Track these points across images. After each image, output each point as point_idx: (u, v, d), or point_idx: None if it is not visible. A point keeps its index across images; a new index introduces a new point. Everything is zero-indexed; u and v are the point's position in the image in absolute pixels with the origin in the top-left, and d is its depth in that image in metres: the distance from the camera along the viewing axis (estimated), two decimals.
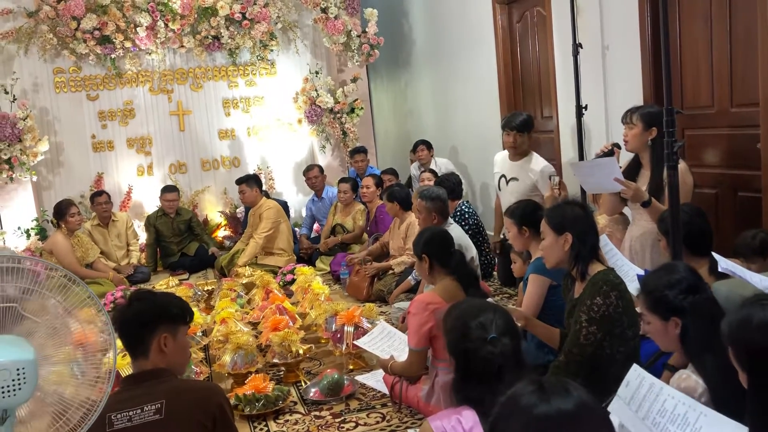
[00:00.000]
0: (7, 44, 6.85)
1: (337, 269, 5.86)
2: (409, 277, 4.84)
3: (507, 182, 4.86)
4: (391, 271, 5.20)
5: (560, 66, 5.35)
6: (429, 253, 3.17)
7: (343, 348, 3.77)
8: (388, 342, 3.58)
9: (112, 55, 7.13)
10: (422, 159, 6.94)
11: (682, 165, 3.21)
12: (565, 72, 5.21)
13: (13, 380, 1.56)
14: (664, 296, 2.12)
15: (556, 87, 5.47)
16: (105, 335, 4.60)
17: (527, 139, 4.79)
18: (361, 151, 7.30)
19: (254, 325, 4.36)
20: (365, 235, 6.33)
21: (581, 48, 4.47)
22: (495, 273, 5.54)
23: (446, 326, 2.12)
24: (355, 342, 3.69)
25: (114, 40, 7.01)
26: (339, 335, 3.81)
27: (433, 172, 6.35)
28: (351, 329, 3.78)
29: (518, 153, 4.80)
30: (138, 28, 7.01)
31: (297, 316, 4.26)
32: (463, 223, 5.28)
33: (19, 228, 6.86)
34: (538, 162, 4.73)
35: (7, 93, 6.65)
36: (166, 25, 7.11)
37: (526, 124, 4.75)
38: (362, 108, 7.69)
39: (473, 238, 5.16)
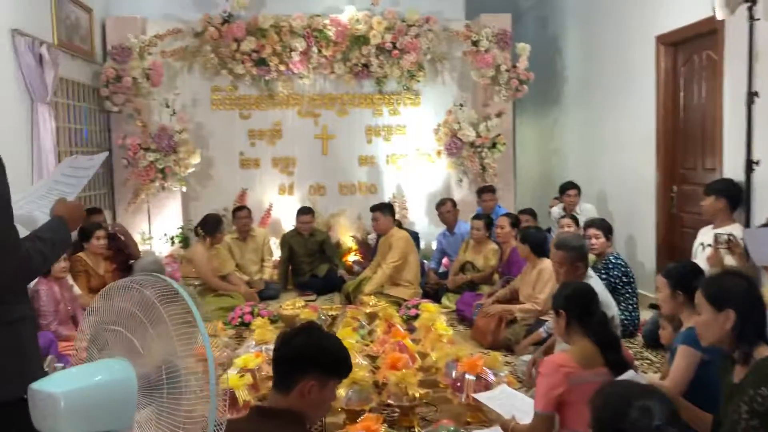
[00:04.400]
0: (174, 61, 7.32)
1: (463, 309, 5.64)
2: (541, 329, 4.52)
3: (703, 248, 4.49)
4: (522, 320, 4.90)
5: (729, 115, 4.86)
6: (568, 310, 2.90)
7: (463, 398, 3.55)
8: (510, 400, 3.32)
9: (267, 77, 7.42)
10: (570, 203, 6.58)
11: None
12: (735, 122, 4.72)
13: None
14: None
15: (723, 137, 4.97)
16: (230, 350, 4.65)
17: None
18: (490, 190, 7.04)
19: (373, 358, 4.23)
20: (496, 276, 6.07)
21: (757, 97, 4.02)
22: (639, 333, 5.07)
23: (598, 402, 1.86)
24: (475, 395, 3.46)
25: (269, 63, 7.30)
26: (459, 383, 3.60)
27: (574, 218, 5.98)
28: (472, 378, 3.55)
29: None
30: (293, 53, 7.26)
31: (417, 355, 4.09)
32: (606, 275, 4.90)
33: (165, 234, 7.25)
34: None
35: (168, 107, 7.08)
36: (319, 51, 7.32)
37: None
38: (504, 144, 7.46)
39: (618, 292, 4.78)
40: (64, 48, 6.02)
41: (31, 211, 1.94)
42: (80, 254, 5.36)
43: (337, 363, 2.08)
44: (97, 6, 6.97)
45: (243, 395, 3.44)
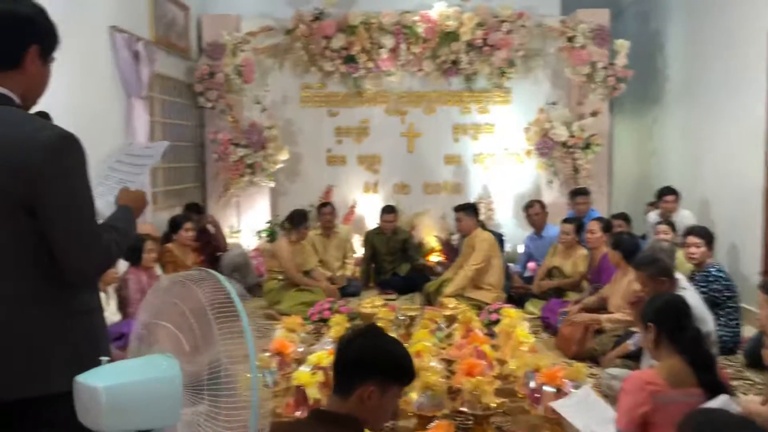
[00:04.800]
0: (266, 58, 7.44)
1: (548, 316, 5.41)
2: (629, 342, 4.24)
3: None
4: (610, 331, 4.63)
5: None
6: (658, 323, 2.67)
7: (541, 410, 3.37)
8: (590, 413, 3.11)
9: (355, 75, 7.42)
10: (668, 209, 6.19)
11: None
12: None
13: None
14: None
15: None
16: (306, 346, 4.63)
17: None
18: (584, 192, 6.72)
19: (449, 362, 4.10)
20: (585, 283, 5.79)
21: None
22: (740, 351, 4.69)
23: (688, 428, 1.68)
24: (552, 404, 3.27)
25: (358, 60, 7.29)
26: (537, 394, 3.42)
27: (671, 224, 5.62)
28: (552, 390, 3.36)
29: None
30: (381, 50, 7.22)
31: (495, 362, 3.93)
32: (706, 287, 4.57)
33: (252, 228, 7.38)
34: None
35: (259, 103, 7.20)
36: (408, 48, 7.25)
37: None
38: (599, 144, 7.13)
39: (718, 306, 4.45)
40: (160, 44, 6.22)
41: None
42: (169, 245, 5.52)
43: (399, 369, 1.98)
44: (194, 3, 7.18)
45: (313, 393, 3.40)
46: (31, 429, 1.68)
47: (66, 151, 1.61)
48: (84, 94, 4.79)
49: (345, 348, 2.00)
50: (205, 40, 7.24)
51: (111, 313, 4.43)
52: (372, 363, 1.93)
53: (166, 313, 1.48)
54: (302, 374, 3.50)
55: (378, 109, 7.67)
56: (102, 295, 4.27)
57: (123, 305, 4.61)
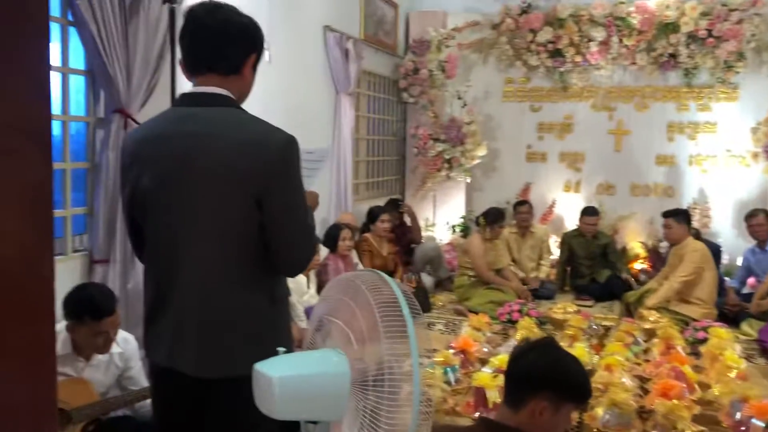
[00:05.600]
0: (470, 54, 7.44)
1: (766, 339, 4.82)
2: None
3: None
4: None
5: None
6: None
7: None
8: None
9: (561, 69, 7.16)
10: None
11: None
12: None
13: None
14: None
15: None
16: (491, 347, 4.58)
17: None
18: None
19: (643, 380, 3.82)
20: None
21: None
22: None
23: None
24: None
25: (565, 54, 7.03)
26: (743, 427, 3.05)
27: None
28: (761, 425, 2.99)
29: None
30: (591, 43, 6.89)
31: (697, 386, 3.58)
32: None
33: (447, 223, 7.45)
34: None
35: (460, 98, 7.22)
36: (621, 41, 6.83)
37: None
38: None
39: None
40: (369, 42, 6.48)
41: None
42: (367, 235, 5.76)
43: (573, 387, 1.88)
44: (403, 1, 7.37)
45: (493, 396, 3.34)
46: (224, 406, 1.83)
47: (292, 152, 1.75)
48: (298, 91, 5.14)
49: (518, 360, 1.93)
50: (411, 36, 7.41)
51: (310, 296, 4.72)
52: (545, 378, 1.85)
53: (339, 310, 1.52)
54: (483, 376, 3.46)
55: (584, 105, 7.33)
56: (304, 278, 4.60)
57: (322, 289, 4.89)
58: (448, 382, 3.69)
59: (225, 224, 1.73)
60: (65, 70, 3.31)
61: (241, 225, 1.73)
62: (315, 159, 2.18)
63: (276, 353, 1.54)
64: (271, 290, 1.82)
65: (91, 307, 2.59)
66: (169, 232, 1.78)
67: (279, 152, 1.71)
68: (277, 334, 1.81)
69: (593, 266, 6.61)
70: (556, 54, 7.07)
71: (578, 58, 7.03)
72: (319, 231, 4.96)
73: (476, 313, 5.31)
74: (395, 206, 6.42)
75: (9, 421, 0.93)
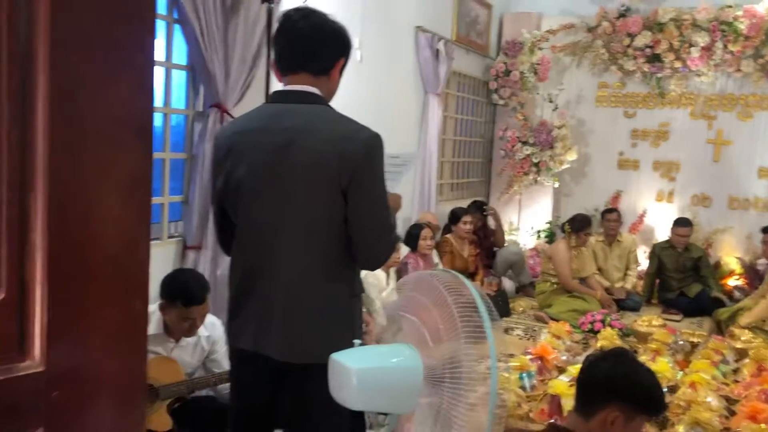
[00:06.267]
0: (563, 56, 7.30)
1: None
2: None
3: None
4: None
5: None
6: None
7: None
8: None
9: (659, 75, 6.92)
10: None
11: None
12: None
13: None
14: None
15: None
16: (570, 355, 4.51)
17: None
18: None
19: (729, 401, 3.65)
20: None
21: None
22: None
23: None
24: None
25: (664, 59, 6.78)
26: None
27: None
28: None
29: None
30: (692, 48, 6.61)
31: None
32: None
33: (532, 228, 7.34)
34: None
35: (551, 102, 7.10)
36: (725, 47, 6.52)
37: None
38: None
39: None
40: (460, 43, 6.48)
41: None
42: (448, 236, 5.76)
43: (647, 398, 1.84)
44: (497, 2, 7.32)
45: (568, 405, 3.29)
46: (302, 392, 1.91)
47: (379, 149, 1.83)
48: (387, 90, 5.21)
49: (591, 369, 1.91)
50: (504, 38, 7.34)
51: (389, 293, 4.77)
52: (619, 388, 1.82)
53: (413, 307, 1.56)
54: (560, 384, 3.42)
55: (682, 112, 7.04)
56: (383, 275, 4.66)
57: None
58: (523, 388, 3.66)
59: (312, 217, 1.81)
60: (168, 65, 3.50)
61: (328, 218, 1.80)
62: (400, 163, 2.24)
63: (351, 345, 1.59)
64: (351, 284, 1.89)
65: (184, 294, 2.73)
66: (259, 222, 1.88)
67: (365, 147, 1.79)
68: (353, 326, 1.88)
69: (683, 280, 6.36)
70: (654, 59, 6.83)
71: (677, 64, 6.77)
72: (401, 230, 5.02)
73: (557, 320, 5.24)
74: (479, 209, 6.39)
75: (103, 390, 1.02)
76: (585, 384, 1.91)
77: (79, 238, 0.92)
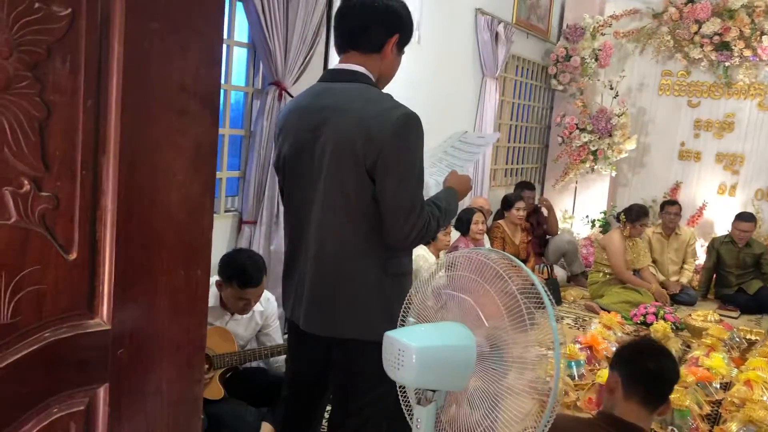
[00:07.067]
0: (626, 43, 7.11)
1: None
2: None
3: None
4: None
5: None
6: None
7: None
8: None
9: (726, 63, 6.67)
10: None
11: None
12: None
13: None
14: None
15: None
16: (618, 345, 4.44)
17: None
18: None
19: None
20: None
21: None
22: None
23: None
24: None
25: (733, 48, 6.53)
26: None
27: None
28: None
29: None
30: (764, 37, 6.36)
31: None
32: None
33: (587, 216, 7.22)
34: None
35: (611, 89, 6.93)
36: None
37: None
38: None
39: None
40: (520, 26, 6.38)
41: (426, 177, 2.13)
42: (500, 222, 5.72)
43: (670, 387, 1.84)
44: None
45: None
46: (340, 365, 1.95)
47: (410, 128, 1.80)
48: (445, 72, 5.18)
49: (661, 362, 1.91)
50: (566, 22, 7.19)
51: (440, 276, 4.77)
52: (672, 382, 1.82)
53: (464, 287, 1.56)
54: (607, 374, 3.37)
55: (749, 103, 6.79)
56: (433, 258, 4.67)
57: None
58: (571, 376, 3.64)
59: (343, 194, 1.83)
60: (230, 43, 3.56)
61: (357, 196, 1.81)
62: (482, 143, 2.21)
63: (382, 323, 1.64)
64: (383, 263, 1.87)
65: (241, 275, 2.75)
66: (297, 198, 1.93)
67: (394, 126, 1.76)
68: (389, 305, 1.85)
69: (743, 276, 6.16)
70: (722, 47, 6.58)
71: (747, 53, 6.51)
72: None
73: (608, 311, 5.16)
74: (527, 187, 6.29)
75: (165, 350, 1.07)
76: (658, 377, 1.91)
77: (147, 203, 0.97)
